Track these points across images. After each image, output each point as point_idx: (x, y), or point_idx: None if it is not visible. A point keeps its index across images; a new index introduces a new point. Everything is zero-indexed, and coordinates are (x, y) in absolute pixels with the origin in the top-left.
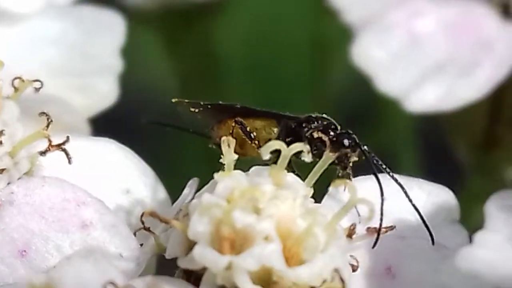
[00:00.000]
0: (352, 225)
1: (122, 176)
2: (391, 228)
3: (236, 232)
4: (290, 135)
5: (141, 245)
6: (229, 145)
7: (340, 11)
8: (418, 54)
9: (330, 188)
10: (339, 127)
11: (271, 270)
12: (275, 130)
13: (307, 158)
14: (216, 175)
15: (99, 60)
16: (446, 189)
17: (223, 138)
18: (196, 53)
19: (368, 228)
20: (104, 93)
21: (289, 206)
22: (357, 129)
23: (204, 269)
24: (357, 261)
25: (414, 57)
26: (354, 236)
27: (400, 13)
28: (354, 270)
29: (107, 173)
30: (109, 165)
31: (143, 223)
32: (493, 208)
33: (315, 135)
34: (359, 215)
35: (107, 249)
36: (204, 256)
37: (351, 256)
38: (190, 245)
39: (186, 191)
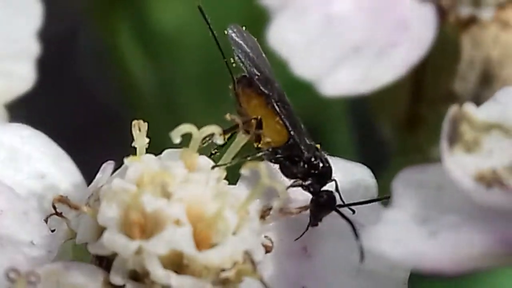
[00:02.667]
0: (265, 206)
1: (36, 161)
2: (305, 207)
3: (145, 217)
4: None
5: (54, 230)
6: (140, 129)
7: None
8: (334, 36)
9: (243, 171)
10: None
11: (182, 254)
12: (281, 141)
13: (219, 140)
14: (126, 160)
15: (16, 44)
16: (364, 167)
17: (134, 122)
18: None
19: (281, 209)
20: (22, 77)
21: (200, 189)
22: None
23: (115, 255)
24: (272, 242)
25: (329, 40)
26: (268, 218)
27: None
28: (268, 251)
29: (20, 159)
30: (22, 150)
31: (55, 208)
32: (400, 184)
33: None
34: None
35: (18, 236)
36: (114, 241)
37: (265, 237)
38: (101, 230)
39: (99, 175)
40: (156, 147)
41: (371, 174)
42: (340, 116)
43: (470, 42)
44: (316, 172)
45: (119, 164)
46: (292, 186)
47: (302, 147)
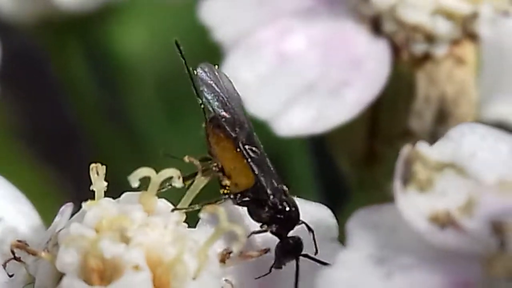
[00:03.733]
0: (225, 250)
1: None
2: (265, 251)
3: (104, 263)
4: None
5: (12, 275)
6: (98, 173)
7: (211, 29)
8: (287, 74)
9: (201, 214)
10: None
11: None
12: (249, 184)
13: (178, 183)
14: (84, 204)
15: None
16: (325, 207)
17: (92, 165)
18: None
19: (241, 252)
20: None
21: (159, 233)
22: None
23: None
24: (232, 286)
25: (282, 78)
26: (228, 261)
27: (269, 31)
28: None
29: None
30: None
31: (13, 253)
32: (354, 225)
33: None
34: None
35: None
36: (72, 287)
37: (225, 280)
38: (59, 276)
39: (57, 218)
40: (116, 173)
41: (332, 214)
42: (300, 149)
43: (425, 79)
44: (283, 216)
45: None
46: (259, 232)
47: (269, 191)
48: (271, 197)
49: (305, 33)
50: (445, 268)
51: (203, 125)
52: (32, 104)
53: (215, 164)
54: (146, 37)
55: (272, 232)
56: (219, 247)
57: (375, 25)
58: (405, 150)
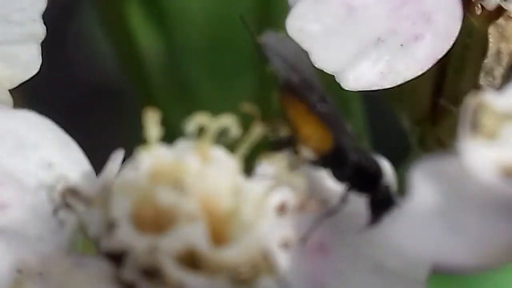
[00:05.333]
0: (283, 201)
1: (43, 149)
2: (325, 203)
3: (159, 212)
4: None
5: (63, 223)
6: (152, 118)
7: None
8: (356, 28)
9: (260, 164)
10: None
11: (197, 251)
12: (328, 147)
13: (234, 131)
14: (139, 151)
15: (20, 27)
16: (383, 160)
17: (147, 109)
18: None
19: (300, 204)
20: (27, 62)
21: (215, 183)
22: None
23: (127, 250)
24: (290, 239)
25: (351, 31)
26: (286, 213)
27: None
28: (286, 247)
29: (26, 147)
30: (28, 138)
31: (64, 200)
32: (419, 176)
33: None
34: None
35: (27, 230)
36: (125, 236)
37: (283, 233)
38: (112, 225)
39: (109, 165)
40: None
41: (390, 168)
42: (357, 103)
43: (497, 34)
44: (366, 174)
45: (124, 145)
46: (344, 196)
47: (349, 152)
48: (352, 156)
49: None
50: None
51: (276, 93)
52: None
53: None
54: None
55: (357, 192)
56: (277, 198)
57: None
58: (472, 100)
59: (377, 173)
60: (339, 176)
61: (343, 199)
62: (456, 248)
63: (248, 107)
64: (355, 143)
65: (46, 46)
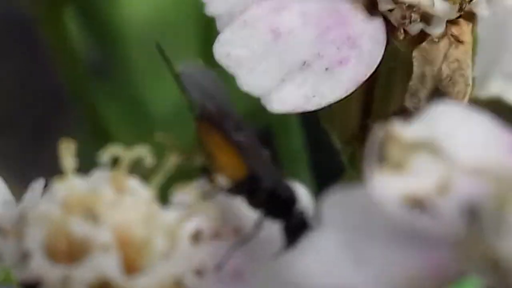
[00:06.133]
0: (197, 230)
1: None
2: (238, 230)
3: (72, 242)
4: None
5: None
6: (68, 150)
7: (205, 3)
8: (281, 52)
9: (173, 194)
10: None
11: (109, 281)
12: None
13: (148, 161)
14: (54, 181)
15: None
16: (303, 188)
17: (61, 142)
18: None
19: (214, 232)
20: None
21: (129, 213)
22: None
23: (41, 281)
24: (204, 266)
25: (277, 56)
26: (200, 241)
27: (263, 7)
28: (200, 275)
29: None
30: None
31: None
32: (327, 207)
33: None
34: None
35: None
36: (39, 266)
37: (197, 261)
38: (27, 255)
39: (28, 195)
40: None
41: (307, 193)
42: (294, 123)
43: (421, 58)
44: (280, 202)
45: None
46: (258, 222)
47: (263, 180)
48: (265, 184)
49: (300, 10)
50: (418, 252)
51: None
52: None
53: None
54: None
55: (271, 219)
56: (191, 227)
57: (371, 4)
58: (380, 131)
59: (291, 199)
60: (253, 203)
61: (257, 226)
62: (361, 282)
63: (162, 137)
64: (270, 171)
65: None
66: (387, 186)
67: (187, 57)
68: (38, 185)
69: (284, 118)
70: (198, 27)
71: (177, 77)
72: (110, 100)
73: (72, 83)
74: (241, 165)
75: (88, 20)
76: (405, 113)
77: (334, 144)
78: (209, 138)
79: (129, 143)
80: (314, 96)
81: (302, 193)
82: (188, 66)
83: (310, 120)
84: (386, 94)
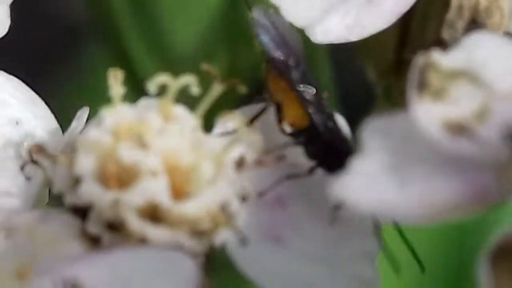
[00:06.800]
0: (241, 157)
1: (10, 107)
2: (281, 159)
3: (122, 168)
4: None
5: (30, 178)
6: (115, 78)
7: None
8: None
9: (219, 120)
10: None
11: (158, 205)
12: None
13: (195, 90)
14: (102, 109)
15: None
16: (339, 116)
17: (110, 70)
18: None
19: (257, 159)
20: None
21: (176, 139)
22: None
23: (91, 205)
24: (248, 192)
25: None
26: (244, 168)
27: None
28: (244, 200)
29: None
30: None
31: (31, 156)
32: (368, 133)
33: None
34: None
35: None
36: (90, 191)
37: (241, 187)
38: (77, 180)
39: (74, 123)
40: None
41: (346, 124)
42: (323, 55)
43: None
44: (336, 154)
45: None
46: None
47: (322, 131)
48: (325, 136)
49: None
50: (459, 176)
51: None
52: None
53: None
54: None
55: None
56: (236, 153)
57: None
58: (420, 59)
59: (348, 152)
60: (310, 152)
61: (311, 172)
62: (402, 202)
63: (207, 67)
64: (331, 123)
65: None
66: (428, 112)
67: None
68: (83, 113)
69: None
70: None
71: (250, 22)
72: (136, 33)
73: (100, 16)
74: (304, 115)
75: None
76: (441, 45)
77: (366, 78)
78: (275, 84)
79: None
80: (355, 27)
81: (342, 123)
82: (262, 12)
83: (341, 53)
84: (423, 26)
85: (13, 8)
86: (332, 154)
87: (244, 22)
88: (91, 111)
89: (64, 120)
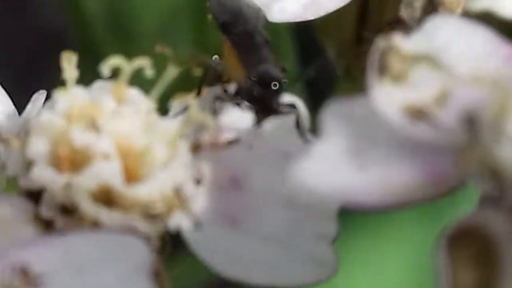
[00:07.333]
0: (196, 139)
1: None
2: (236, 141)
3: (74, 151)
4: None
5: None
6: (69, 61)
7: None
8: None
9: (173, 104)
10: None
11: (111, 189)
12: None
13: (148, 72)
14: (55, 92)
15: None
16: (298, 99)
17: (63, 54)
18: None
19: (211, 142)
20: None
21: (129, 122)
22: None
23: (44, 189)
24: (202, 175)
25: None
26: (198, 150)
27: None
28: (198, 183)
29: None
30: None
31: None
32: (328, 117)
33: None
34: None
35: None
36: (42, 175)
37: (195, 170)
38: (30, 164)
39: (29, 106)
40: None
41: (303, 105)
42: (285, 33)
43: None
44: (262, 100)
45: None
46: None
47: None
48: (256, 72)
49: None
50: (418, 160)
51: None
52: None
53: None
54: None
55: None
56: (190, 135)
57: None
58: (380, 41)
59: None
60: (250, 100)
61: (256, 124)
62: (361, 187)
63: (161, 48)
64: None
65: None
66: (388, 96)
67: None
68: (39, 96)
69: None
70: None
71: None
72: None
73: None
74: (241, 68)
75: None
76: (400, 24)
77: (327, 57)
78: (226, 49)
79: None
80: (312, 5)
81: (299, 105)
82: None
83: (303, 32)
84: (382, 4)
85: None
86: (262, 83)
87: None
88: None
89: None
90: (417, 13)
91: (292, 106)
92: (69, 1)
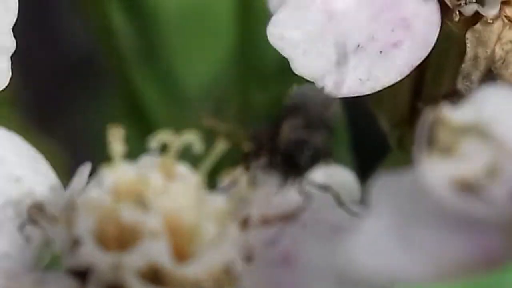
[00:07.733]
0: (245, 215)
1: (10, 164)
2: (287, 218)
3: (122, 229)
4: None
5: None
6: (116, 135)
7: None
8: (335, 34)
9: (221, 179)
10: None
11: (160, 268)
12: None
13: (197, 148)
14: (102, 168)
15: None
16: (348, 170)
17: (110, 127)
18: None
19: (262, 218)
20: None
21: (178, 199)
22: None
23: (91, 267)
24: (251, 252)
25: (331, 38)
26: (248, 227)
27: None
28: (249, 261)
29: None
30: None
31: (30, 216)
32: (376, 191)
33: None
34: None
35: None
36: (90, 254)
37: (244, 247)
38: (76, 241)
39: (75, 179)
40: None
41: (355, 177)
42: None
43: (474, 39)
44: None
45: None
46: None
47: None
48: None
49: None
50: (467, 235)
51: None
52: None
53: None
54: None
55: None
56: (239, 213)
57: None
58: (429, 114)
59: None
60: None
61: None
62: (411, 264)
63: (210, 122)
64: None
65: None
66: (436, 170)
67: (224, 41)
68: (85, 169)
69: None
70: (236, 12)
71: None
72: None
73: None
74: None
75: (128, 7)
76: (456, 96)
77: (379, 127)
78: None
79: (168, 123)
80: (368, 80)
81: (348, 177)
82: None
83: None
84: (438, 76)
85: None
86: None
87: (257, 62)
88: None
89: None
90: (475, 85)
91: (325, 188)
92: (100, 30)
